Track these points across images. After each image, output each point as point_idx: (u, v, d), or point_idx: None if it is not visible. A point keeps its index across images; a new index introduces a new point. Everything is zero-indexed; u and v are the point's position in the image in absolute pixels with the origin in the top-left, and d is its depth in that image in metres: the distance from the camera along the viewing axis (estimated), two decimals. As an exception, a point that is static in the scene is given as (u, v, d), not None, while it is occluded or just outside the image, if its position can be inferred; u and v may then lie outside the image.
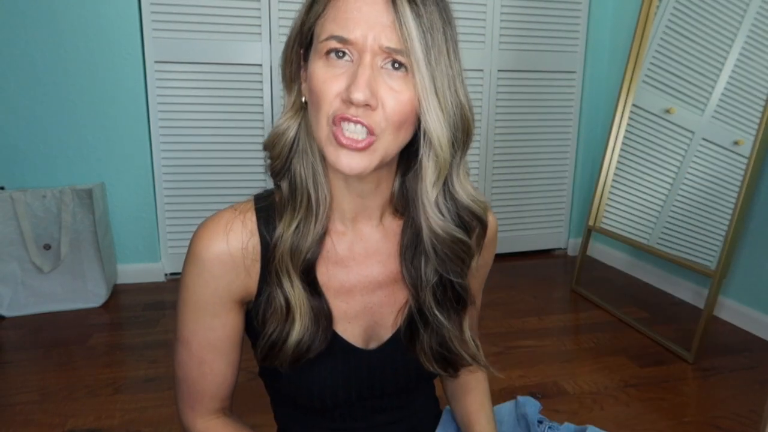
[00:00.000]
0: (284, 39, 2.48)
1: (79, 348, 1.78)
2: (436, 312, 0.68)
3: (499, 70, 2.55)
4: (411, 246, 0.68)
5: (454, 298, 0.69)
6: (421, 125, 0.58)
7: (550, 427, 0.88)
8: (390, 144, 0.58)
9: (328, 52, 0.56)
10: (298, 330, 0.63)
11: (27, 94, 2.11)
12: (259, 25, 2.26)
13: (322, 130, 0.57)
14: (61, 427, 1.38)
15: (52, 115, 2.14)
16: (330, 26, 0.56)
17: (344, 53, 0.56)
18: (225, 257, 0.63)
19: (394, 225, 0.70)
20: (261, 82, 2.31)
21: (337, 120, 0.56)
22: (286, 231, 0.63)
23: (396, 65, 0.56)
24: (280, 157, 0.64)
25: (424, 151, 0.60)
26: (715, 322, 1.98)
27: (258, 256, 0.65)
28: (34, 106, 2.12)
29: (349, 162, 0.56)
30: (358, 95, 0.53)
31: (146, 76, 2.21)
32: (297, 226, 0.63)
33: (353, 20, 0.55)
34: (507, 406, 0.93)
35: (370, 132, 0.56)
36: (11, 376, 1.61)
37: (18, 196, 1.98)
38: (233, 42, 2.25)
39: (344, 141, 0.56)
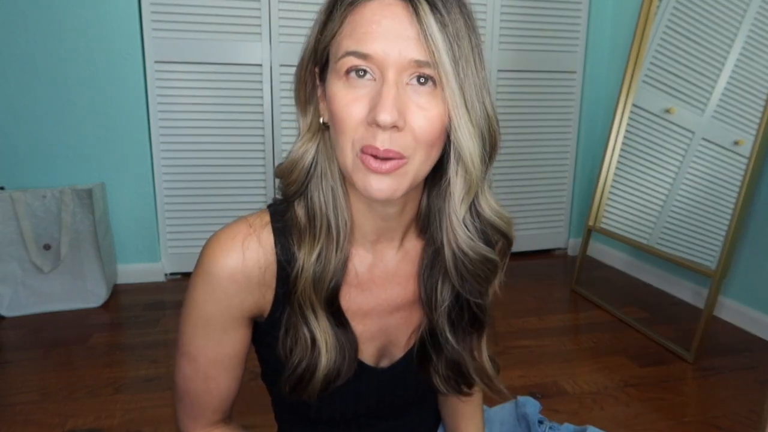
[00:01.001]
0: (284, 39, 2.47)
1: (79, 348, 1.78)
2: (449, 335, 0.66)
3: (499, 70, 2.55)
4: (429, 266, 0.65)
5: (470, 320, 0.66)
6: (451, 140, 0.55)
7: (550, 428, 0.88)
8: (421, 166, 0.55)
9: (347, 72, 0.52)
10: (325, 363, 0.61)
11: (27, 94, 2.11)
12: (259, 25, 2.26)
13: (347, 156, 0.54)
14: (61, 427, 1.38)
15: (52, 115, 2.14)
16: (347, 42, 0.52)
17: (365, 71, 0.52)
18: (239, 276, 0.60)
19: (416, 246, 0.67)
20: (261, 82, 2.31)
21: (366, 149, 0.53)
22: (307, 260, 0.59)
23: (422, 80, 0.52)
24: (296, 183, 0.61)
25: (453, 168, 0.57)
26: (715, 322, 1.98)
27: (273, 278, 0.62)
28: (34, 106, 2.12)
29: (380, 186, 0.53)
30: (385, 117, 0.50)
31: (146, 76, 2.21)
32: (319, 255, 0.60)
33: (372, 34, 0.51)
34: (507, 407, 0.93)
35: (399, 156, 0.53)
36: (11, 376, 1.61)
37: (18, 196, 1.98)
38: (233, 42, 2.25)
39: (373, 165, 0.52)
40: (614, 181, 2.27)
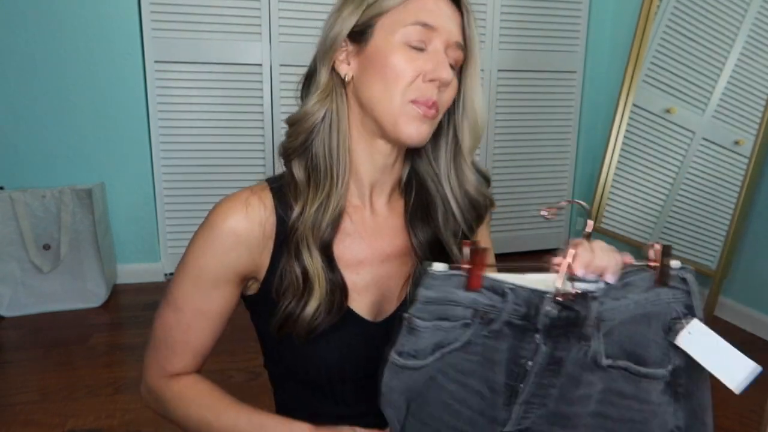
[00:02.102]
0: (284, 39, 2.46)
1: (79, 348, 1.78)
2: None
3: (499, 70, 2.55)
4: (421, 217, 0.74)
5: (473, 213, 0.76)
6: (465, 105, 0.70)
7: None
8: (437, 121, 0.69)
9: (412, 43, 0.65)
10: (315, 299, 0.65)
11: (27, 94, 2.11)
12: (259, 25, 2.26)
13: (395, 102, 0.65)
14: (61, 427, 1.37)
15: (51, 114, 2.14)
16: (416, 13, 0.65)
17: (423, 48, 0.65)
18: (241, 230, 0.66)
19: (400, 204, 0.76)
20: (261, 82, 2.30)
21: (419, 100, 0.65)
22: (309, 208, 0.66)
23: (451, 64, 0.66)
24: (299, 136, 0.68)
25: (462, 126, 0.71)
26: (715, 322, 1.98)
27: (273, 233, 0.67)
28: (34, 106, 2.12)
29: (420, 131, 0.66)
30: (447, 75, 0.64)
31: (146, 76, 2.21)
32: (320, 204, 0.67)
33: (437, 13, 0.65)
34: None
35: (437, 107, 0.66)
36: (11, 376, 1.61)
37: (17, 196, 1.97)
38: (233, 42, 2.25)
39: (426, 112, 0.65)
40: (614, 181, 2.27)
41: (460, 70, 0.69)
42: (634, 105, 2.22)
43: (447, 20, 0.65)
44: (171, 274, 2.39)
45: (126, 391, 1.53)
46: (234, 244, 0.66)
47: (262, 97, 2.32)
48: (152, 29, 2.17)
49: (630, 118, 2.23)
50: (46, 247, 2.03)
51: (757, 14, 1.82)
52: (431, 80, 0.64)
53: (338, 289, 0.67)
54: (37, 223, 2.01)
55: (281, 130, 2.39)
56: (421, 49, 0.65)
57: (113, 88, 2.17)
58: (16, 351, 1.77)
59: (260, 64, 2.29)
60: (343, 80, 0.69)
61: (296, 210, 0.66)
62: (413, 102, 0.65)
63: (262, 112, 2.33)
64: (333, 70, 0.69)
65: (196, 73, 2.25)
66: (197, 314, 0.69)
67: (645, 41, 2.19)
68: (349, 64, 0.68)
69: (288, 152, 0.69)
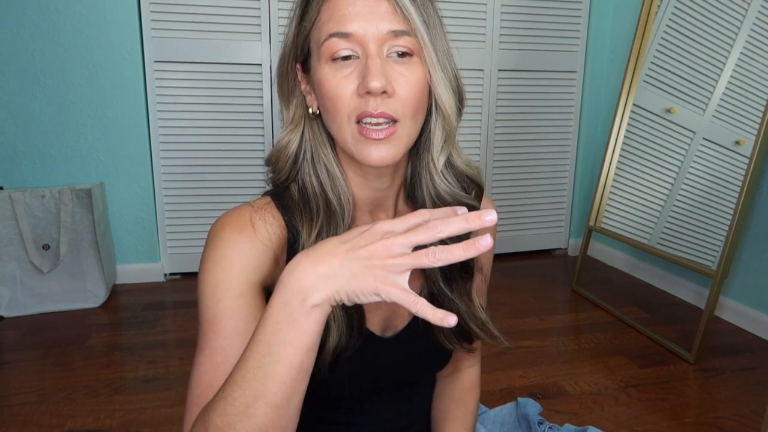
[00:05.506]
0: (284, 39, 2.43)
1: (78, 348, 1.78)
2: (442, 285, 0.69)
3: (499, 70, 2.55)
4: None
5: (460, 266, 0.69)
6: (432, 97, 0.61)
7: (550, 428, 0.88)
8: (411, 128, 0.60)
9: (333, 56, 0.57)
10: (334, 335, 0.62)
11: (26, 94, 2.10)
12: (259, 25, 2.25)
13: (345, 130, 0.59)
14: (60, 427, 1.37)
15: (51, 114, 2.14)
16: (327, 27, 0.57)
17: (349, 55, 0.57)
18: (253, 240, 0.60)
19: (407, 212, 0.71)
20: (261, 81, 2.30)
21: (361, 116, 0.57)
22: (307, 241, 0.61)
23: (400, 52, 0.57)
24: (283, 171, 0.65)
25: (433, 120, 0.63)
26: (716, 322, 1.97)
27: (285, 244, 0.63)
28: (33, 106, 2.12)
29: (379, 154, 0.58)
30: (376, 84, 0.55)
31: (146, 75, 2.21)
32: (319, 233, 0.62)
33: (349, 15, 0.56)
34: (508, 408, 0.93)
35: (392, 120, 0.58)
36: (10, 377, 1.61)
37: (17, 196, 1.97)
38: (233, 42, 2.25)
39: (372, 135, 0.57)
40: (615, 180, 2.26)
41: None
42: (634, 105, 2.22)
43: (365, 16, 0.56)
44: (171, 274, 2.40)
45: (125, 391, 1.53)
46: (249, 252, 0.60)
47: (262, 97, 2.32)
48: (152, 29, 2.17)
49: (630, 118, 2.23)
50: (46, 247, 2.03)
51: (758, 14, 1.82)
52: (366, 93, 0.56)
53: (356, 315, 0.65)
54: (37, 223, 2.01)
55: (281, 130, 2.39)
56: (354, 58, 0.57)
57: (113, 88, 2.17)
58: (14, 351, 1.77)
59: (260, 64, 2.29)
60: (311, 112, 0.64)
61: (301, 238, 0.62)
62: (358, 124, 0.58)
63: (262, 112, 2.33)
64: (303, 101, 0.64)
65: (196, 73, 2.25)
66: (228, 334, 0.58)
67: (645, 41, 2.18)
68: (311, 94, 0.63)
69: (277, 185, 0.66)
